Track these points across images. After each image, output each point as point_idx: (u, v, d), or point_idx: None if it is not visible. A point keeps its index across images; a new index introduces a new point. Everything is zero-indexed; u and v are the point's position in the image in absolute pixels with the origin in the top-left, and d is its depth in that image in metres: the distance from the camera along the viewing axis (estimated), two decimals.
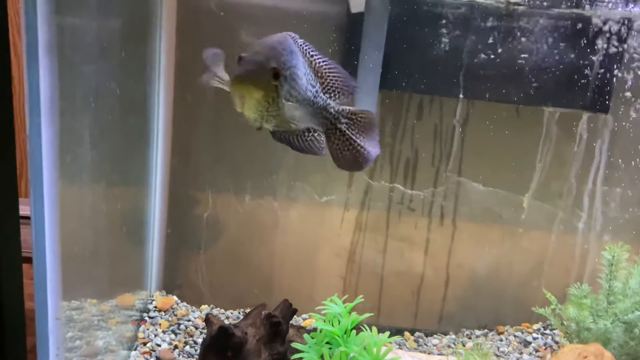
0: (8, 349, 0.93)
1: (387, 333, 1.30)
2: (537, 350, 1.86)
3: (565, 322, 1.69)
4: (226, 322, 1.35)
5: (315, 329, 1.32)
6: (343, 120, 1.17)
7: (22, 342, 0.98)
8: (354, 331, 1.28)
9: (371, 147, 1.19)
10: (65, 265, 1.05)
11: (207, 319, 1.40)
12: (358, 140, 1.19)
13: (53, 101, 0.87)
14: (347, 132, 1.18)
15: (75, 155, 1.12)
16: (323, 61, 1.13)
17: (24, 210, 0.96)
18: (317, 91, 1.12)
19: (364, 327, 1.30)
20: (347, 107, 1.18)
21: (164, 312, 1.86)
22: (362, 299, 1.36)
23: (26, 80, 0.83)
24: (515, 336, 1.94)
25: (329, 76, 1.15)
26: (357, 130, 1.19)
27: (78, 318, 1.40)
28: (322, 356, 1.21)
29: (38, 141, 0.89)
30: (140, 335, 1.72)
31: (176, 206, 1.94)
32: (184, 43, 1.79)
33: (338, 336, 1.24)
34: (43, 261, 0.97)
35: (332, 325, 1.26)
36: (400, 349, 1.84)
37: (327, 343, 1.27)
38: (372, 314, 1.34)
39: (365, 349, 1.24)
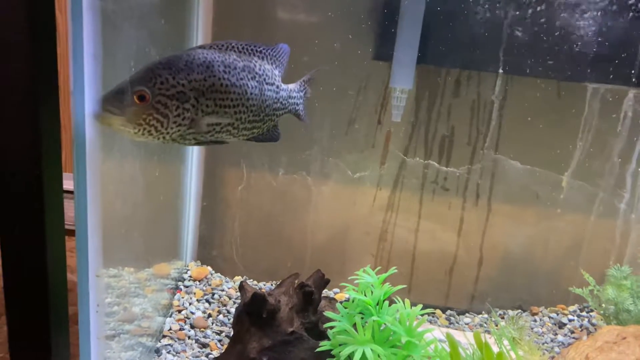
0: (52, 314, 0.96)
1: (420, 306, 1.29)
2: (572, 332, 1.82)
3: (603, 304, 1.65)
4: (265, 292, 1.36)
5: (347, 301, 1.33)
6: (302, 94, 1.22)
7: (64, 309, 1.01)
8: (387, 302, 1.28)
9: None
10: (105, 230, 1.07)
11: (242, 287, 1.42)
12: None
13: (97, 59, 0.88)
14: (303, 101, 1.25)
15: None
16: (273, 50, 1.14)
17: (67, 184, 0.98)
18: (277, 86, 1.13)
19: (397, 299, 1.30)
20: (302, 81, 1.23)
21: (199, 281, 1.89)
22: (396, 270, 1.36)
23: (70, 37, 0.85)
24: (549, 317, 1.91)
25: (280, 59, 1.16)
26: (306, 92, 1.27)
27: (116, 285, 1.44)
28: (354, 325, 1.22)
29: (81, 102, 0.90)
30: (175, 303, 1.76)
31: (212, 180, 1.96)
32: (220, 17, 1.80)
33: (371, 306, 1.25)
34: (84, 225, 0.99)
35: (365, 295, 1.27)
36: (433, 326, 1.83)
37: (360, 313, 1.27)
38: (405, 285, 1.34)
39: (397, 319, 1.24)
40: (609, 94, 1.80)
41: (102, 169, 1.02)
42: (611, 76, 1.74)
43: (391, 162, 1.92)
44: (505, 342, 1.20)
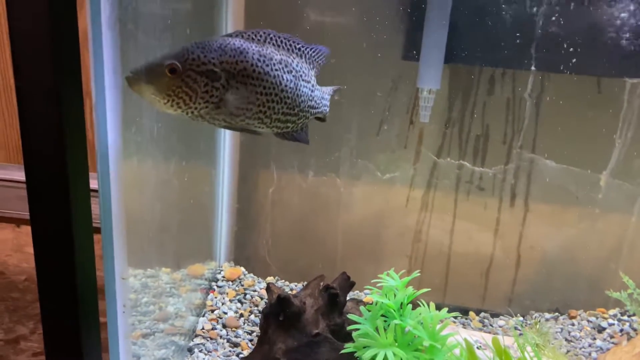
0: (82, 310, 1.01)
1: (445, 309, 1.28)
2: (612, 337, 1.76)
3: None
4: (290, 293, 1.38)
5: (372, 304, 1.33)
6: (329, 98, 1.23)
7: (94, 305, 1.06)
8: (410, 305, 1.28)
9: None
10: (131, 232, 1.12)
11: (268, 288, 1.44)
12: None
13: (116, 74, 0.92)
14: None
15: (140, 128, 1.19)
16: (312, 49, 1.16)
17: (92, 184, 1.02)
18: (313, 85, 1.15)
19: (422, 302, 1.29)
20: (332, 88, 1.26)
21: (232, 282, 1.93)
22: (419, 273, 1.35)
23: (91, 54, 0.89)
24: (588, 321, 1.84)
25: (316, 60, 1.18)
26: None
27: (152, 285, 1.49)
28: (376, 328, 1.22)
29: (103, 112, 0.95)
30: (209, 303, 1.81)
31: (244, 182, 2.00)
32: (250, 23, 1.83)
33: (393, 309, 1.25)
34: (110, 227, 1.04)
35: (388, 299, 1.27)
36: (465, 328, 1.81)
37: (383, 316, 1.28)
38: (429, 289, 1.32)
39: (421, 323, 1.23)
40: None
41: (125, 171, 1.07)
42: None
43: (424, 163, 1.90)
44: (528, 348, 1.18)
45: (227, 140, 1.93)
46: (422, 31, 1.67)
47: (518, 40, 1.67)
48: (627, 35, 1.62)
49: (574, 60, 1.67)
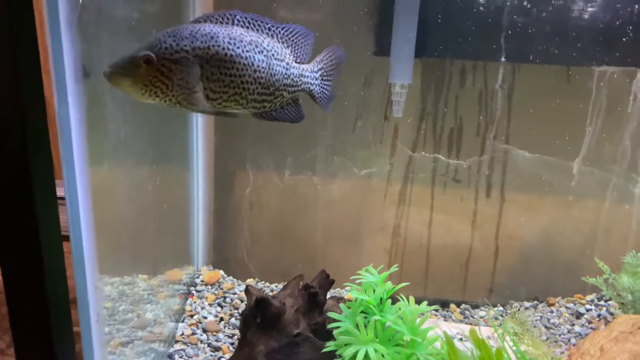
0: (54, 320, 0.98)
1: (424, 303, 1.28)
2: (590, 322, 1.78)
3: (620, 293, 1.61)
4: (270, 294, 1.37)
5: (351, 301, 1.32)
6: (318, 75, 1.24)
7: (67, 314, 1.03)
8: (390, 300, 1.27)
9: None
10: (101, 240, 1.09)
11: (247, 290, 1.43)
12: (331, 82, 1.31)
13: (77, 79, 0.90)
14: (324, 82, 1.27)
15: (107, 133, 1.16)
16: (283, 28, 1.18)
17: (60, 191, 1.00)
18: (287, 63, 1.17)
19: (401, 297, 1.29)
20: (316, 61, 1.25)
21: (211, 285, 1.91)
22: (397, 268, 1.34)
23: (51, 58, 0.86)
24: (567, 307, 1.86)
25: (293, 39, 1.20)
26: (329, 74, 1.29)
27: (129, 292, 1.46)
28: (357, 325, 1.21)
29: (67, 121, 0.92)
30: (188, 308, 1.78)
31: (219, 183, 1.98)
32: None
33: (373, 305, 1.24)
34: (79, 235, 1.01)
35: (367, 295, 1.26)
36: (445, 320, 1.81)
37: (363, 312, 1.27)
38: (408, 283, 1.32)
39: (401, 318, 1.23)
40: (617, 76, 1.75)
41: (93, 178, 1.04)
42: (617, 58, 1.69)
43: (400, 157, 1.91)
44: (507, 337, 1.18)
45: (200, 142, 1.90)
46: (391, 26, 1.67)
47: (488, 32, 1.68)
48: (593, 23, 1.64)
49: (543, 50, 1.69)
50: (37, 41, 0.87)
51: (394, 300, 1.29)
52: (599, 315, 1.81)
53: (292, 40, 1.20)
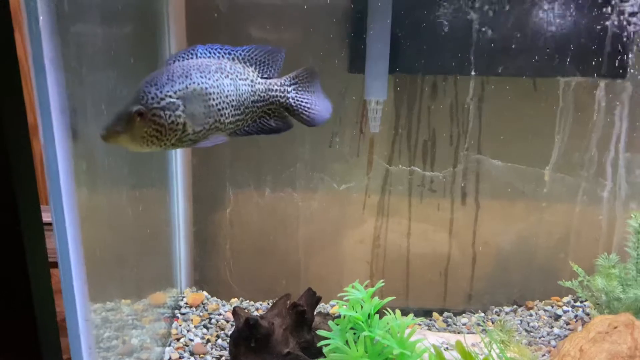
0: (44, 349, 0.97)
1: (411, 315, 1.31)
2: (567, 323, 1.84)
3: (595, 294, 1.67)
4: (256, 313, 1.38)
5: (339, 317, 1.34)
6: (290, 89, 1.29)
7: (56, 343, 1.02)
8: (377, 315, 1.30)
9: (323, 101, 1.35)
10: (90, 267, 1.09)
11: (235, 312, 1.44)
12: (310, 97, 1.33)
13: (64, 112, 0.90)
14: (298, 96, 1.31)
15: (92, 162, 1.16)
16: (243, 50, 1.25)
17: (47, 217, 1.00)
18: (252, 80, 1.23)
19: (388, 311, 1.32)
20: (289, 76, 1.31)
21: (195, 307, 1.91)
22: (383, 283, 1.37)
23: (35, 94, 0.87)
24: (545, 310, 1.92)
25: (255, 58, 1.26)
26: (305, 89, 1.32)
27: (113, 318, 1.45)
28: (346, 342, 1.24)
29: (53, 152, 0.92)
30: (174, 331, 1.77)
31: (199, 204, 1.98)
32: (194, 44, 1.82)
33: (361, 321, 1.26)
34: (68, 265, 1.01)
35: (355, 311, 1.28)
36: (430, 330, 1.85)
37: (352, 328, 1.29)
38: (394, 297, 1.35)
39: (389, 332, 1.25)
40: (581, 86, 1.82)
41: (80, 205, 1.05)
42: (581, 69, 1.77)
43: (377, 171, 1.94)
44: (495, 346, 1.22)
45: (178, 165, 1.90)
46: (364, 45, 1.71)
47: (457, 48, 1.74)
48: (558, 36, 1.72)
49: (510, 63, 1.75)
50: (20, 70, 0.87)
51: (381, 314, 1.32)
52: (576, 317, 1.87)
53: (256, 59, 1.26)
